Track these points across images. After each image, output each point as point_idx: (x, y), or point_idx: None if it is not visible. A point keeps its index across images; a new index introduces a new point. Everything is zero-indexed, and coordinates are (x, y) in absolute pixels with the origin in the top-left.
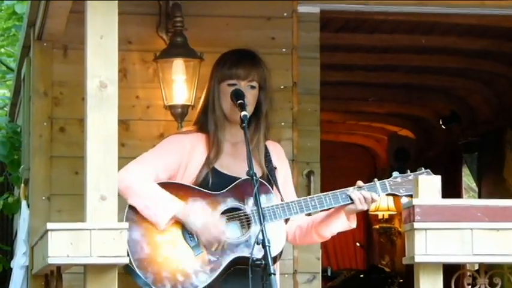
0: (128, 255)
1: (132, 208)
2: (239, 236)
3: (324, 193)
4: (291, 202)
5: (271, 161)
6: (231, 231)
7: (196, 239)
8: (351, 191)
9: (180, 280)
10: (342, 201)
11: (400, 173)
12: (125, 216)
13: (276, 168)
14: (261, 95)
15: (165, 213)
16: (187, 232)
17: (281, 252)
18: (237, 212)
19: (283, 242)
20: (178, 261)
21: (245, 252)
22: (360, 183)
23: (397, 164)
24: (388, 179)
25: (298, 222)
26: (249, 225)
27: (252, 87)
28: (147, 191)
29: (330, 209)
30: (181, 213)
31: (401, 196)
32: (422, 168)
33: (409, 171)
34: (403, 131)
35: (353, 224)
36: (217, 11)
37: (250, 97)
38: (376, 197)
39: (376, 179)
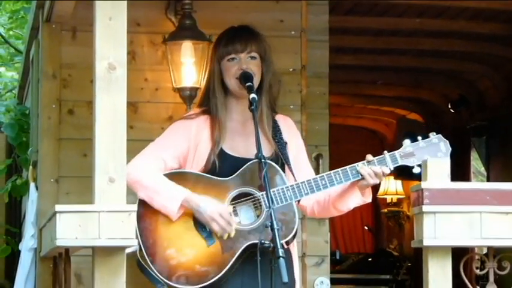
0: (141, 250)
1: (142, 201)
2: (253, 221)
3: (334, 170)
4: (301, 183)
5: (281, 137)
6: (245, 217)
7: (207, 229)
8: (360, 166)
9: (194, 272)
10: (352, 177)
11: (412, 141)
12: (136, 210)
13: (286, 143)
14: (262, 66)
15: (173, 203)
16: (199, 222)
17: (295, 233)
18: (247, 198)
19: (296, 223)
20: (192, 253)
21: (258, 239)
22: (369, 157)
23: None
24: (398, 150)
25: (316, 197)
26: (261, 209)
27: (252, 57)
28: (153, 183)
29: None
30: (189, 201)
31: (413, 166)
32: (434, 133)
33: (419, 138)
34: (411, 114)
35: (367, 199)
36: None
37: (254, 68)
38: (387, 170)
39: (385, 151)
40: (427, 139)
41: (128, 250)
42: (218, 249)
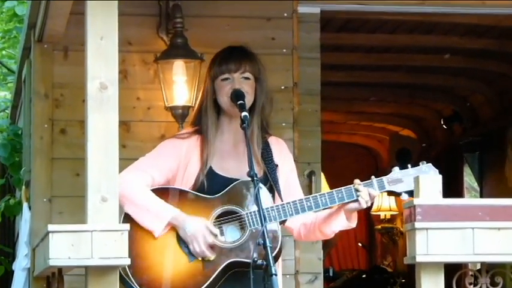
0: None
1: (127, 215)
2: (237, 238)
3: (320, 193)
4: (286, 203)
5: (272, 159)
6: (230, 235)
7: None
8: (352, 189)
9: (174, 287)
10: (338, 200)
11: (401, 168)
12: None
13: (277, 166)
14: (256, 86)
15: (159, 221)
16: (181, 238)
17: (279, 252)
18: (232, 216)
19: (279, 242)
20: (173, 268)
21: (240, 257)
22: (356, 181)
23: (399, 164)
24: (386, 176)
25: (303, 220)
26: (246, 227)
27: (246, 78)
28: (140, 199)
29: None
30: (175, 221)
31: (400, 193)
32: (425, 162)
33: (409, 166)
34: (404, 131)
35: (353, 224)
36: (218, 11)
37: (247, 88)
38: (374, 192)
39: (373, 177)
40: (417, 167)
41: None
42: (199, 265)
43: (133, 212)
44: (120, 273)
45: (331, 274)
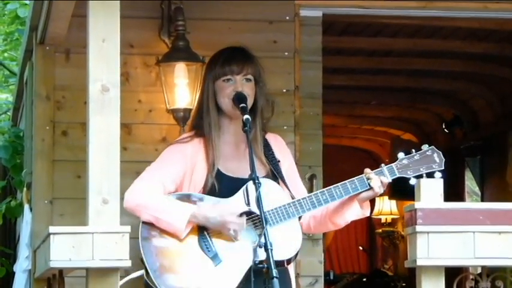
0: (148, 273)
1: (146, 224)
2: (255, 239)
3: (334, 185)
4: (303, 199)
5: (273, 155)
6: (247, 236)
7: (213, 249)
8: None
9: None
10: (352, 191)
11: (406, 154)
12: (140, 235)
13: (279, 161)
14: (256, 88)
15: (180, 220)
16: (204, 242)
17: (297, 253)
18: (248, 217)
19: (299, 242)
20: (200, 274)
21: (262, 256)
22: (367, 170)
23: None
24: (395, 163)
25: (313, 212)
26: (262, 228)
27: (248, 79)
28: (156, 204)
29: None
30: (196, 216)
31: (410, 178)
32: (427, 145)
33: (413, 151)
34: (406, 134)
35: (366, 212)
36: (220, 14)
37: (248, 90)
38: (386, 179)
39: (383, 164)
40: (421, 151)
41: (134, 275)
42: (225, 268)
43: (152, 217)
44: (148, 284)
45: (331, 277)
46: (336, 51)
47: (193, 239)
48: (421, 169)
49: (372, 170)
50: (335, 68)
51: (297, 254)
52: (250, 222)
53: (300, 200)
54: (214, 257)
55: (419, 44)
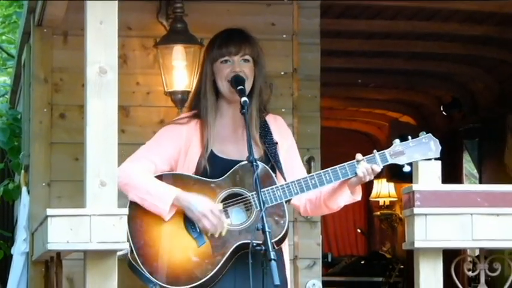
0: (132, 252)
1: (133, 203)
2: (244, 221)
3: (324, 170)
4: (291, 182)
5: (271, 137)
6: (236, 217)
7: (198, 229)
8: (355, 165)
9: (185, 272)
10: (342, 176)
11: (402, 140)
12: (127, 213)
13: (277, 143)
14: (255, 69)
15: (164, 202)
16: (189, 223)
17: (285, 233)
18: (238, 198)
19: (286, 223)
20: (183, 253)
21: (248, 239)
22: (359, 156)
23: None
24: (388, 149)
25: (308, 196)
26: (252, 209)
27: (246, 60)
28: (143, 184)
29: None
30: (180, 199)
31: (403, 165)
32: (424, 133)
33: (410, 137)
34: (404, 117)
35: (357, 197)
36: None
37: (247, 71)
38: (377, 168)
39: (375, 150)
40: (417, 138)
41: (119, 253)
42: (209, 249)
43: (138, 198)
44: (131, 262)
45: (329, 260)
46: (335, 34)
47: (179, 219)
48: (416, 156)
49: (369, 153)
50: (333, 51)
51: (285, 236)
52: (241, 204)
53: (288, 183)
54: (198, 237)
55: (418, 27)
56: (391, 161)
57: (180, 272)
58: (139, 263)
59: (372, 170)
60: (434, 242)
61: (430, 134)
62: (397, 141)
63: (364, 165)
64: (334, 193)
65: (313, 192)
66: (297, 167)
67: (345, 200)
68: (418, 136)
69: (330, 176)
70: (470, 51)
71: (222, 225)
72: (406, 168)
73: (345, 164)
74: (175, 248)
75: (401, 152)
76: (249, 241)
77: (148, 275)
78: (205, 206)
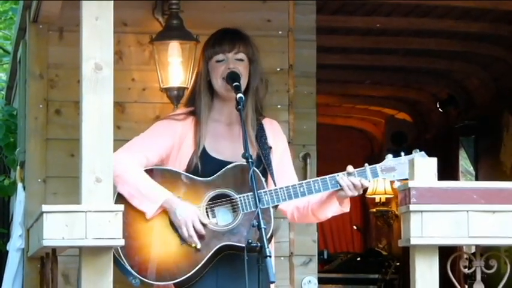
0: None
1: (120, 196)
2: (229, 222)
3: (313, 179)
4: (280, 189)
5: (266, 141)
6: (222, 218)
7: None
8: (340, 177)
9: (166, 268)
10: (331, 187)
11: (395, 156)
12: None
13: (271, 148)
14: (250, 68)
15: (152, 204)
16: None
17: (270, 237)
18: (225, 199)
19: (271, 228)
20: (166, 249)
21: (232, 240)
22: (349, 168)
23: (394, 147)
24: (380, 164)
25: (296, 203)
26: (238, 211)
27: (240, 59)
28: (134, 180)
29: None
30: (167, 204)
31: (394, 181)
32: (417, 150)
33: (403, 154)
34: (400, 114)
35: (345, 209)
36: None
37: (241, 69)
38: (366, 182)
39: (366, 164)
40: (410, 155)
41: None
42: (191, 248)
43: (127, 193)
44: (113, 255)
45: (325, 256)
46: (330, 30)
47: (165, 215)
48: (407, 173)
49: (365, 149)
50: (329, 47)
51: (271, 237)
52: (228, 205)
53: (277, 189)
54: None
55: (414, 23)
56: (381, 176)
57: (161, 268)
58: (121, 255)
59: (354, 185)
60: (430, 238)
61: (423, 152)
62: (389, 156)
63: (350, 180)
64: (323, 203)
65: (301, 201)
66: (288, 172)
67: (333, 211)
68: (411, 152)
69: (319, 185)
70: (466, 48)
71: (197, 241)
72: (396, 184)
73: (335, 174)
74: (158, 243)
75: (393, 168)
76: (232, 243)
77: (129, 267)
78: (188, 215)
